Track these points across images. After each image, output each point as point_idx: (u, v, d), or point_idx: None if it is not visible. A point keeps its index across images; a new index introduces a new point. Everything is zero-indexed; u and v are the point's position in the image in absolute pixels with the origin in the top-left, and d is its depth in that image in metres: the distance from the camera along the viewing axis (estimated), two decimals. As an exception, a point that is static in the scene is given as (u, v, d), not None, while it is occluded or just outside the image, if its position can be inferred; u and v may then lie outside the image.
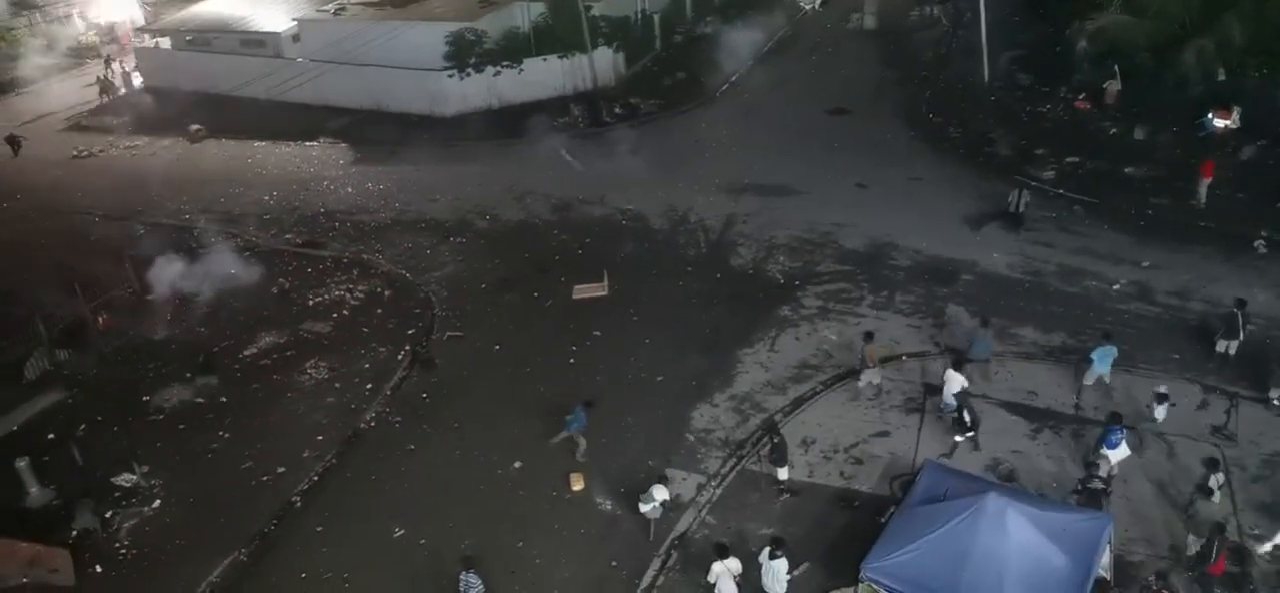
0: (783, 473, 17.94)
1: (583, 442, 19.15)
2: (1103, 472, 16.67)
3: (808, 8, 47.63)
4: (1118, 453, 17.05)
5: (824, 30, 45.11)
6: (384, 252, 28.21)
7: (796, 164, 31.30)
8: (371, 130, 36.98)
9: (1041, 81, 34.86)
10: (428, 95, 38.11)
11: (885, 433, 19.29)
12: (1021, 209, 25.90)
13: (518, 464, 19.30)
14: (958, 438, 18.36)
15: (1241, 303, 20.20)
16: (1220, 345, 20.22)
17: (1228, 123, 29.47)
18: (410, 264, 27.34)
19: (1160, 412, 18.34)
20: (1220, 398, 19.21)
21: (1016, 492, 16.19)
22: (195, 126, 38.28)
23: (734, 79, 39.83)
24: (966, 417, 18.24)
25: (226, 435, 20.79)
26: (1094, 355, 19.34)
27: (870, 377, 20.21)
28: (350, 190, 32.66)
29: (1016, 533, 14.05)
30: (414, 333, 23.95)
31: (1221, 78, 30.65)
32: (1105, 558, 14.75)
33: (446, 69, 37.82)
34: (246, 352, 23.75)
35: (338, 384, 22.26)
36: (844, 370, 21.13)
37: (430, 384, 22.05)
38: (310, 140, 37.02)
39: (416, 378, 22.29)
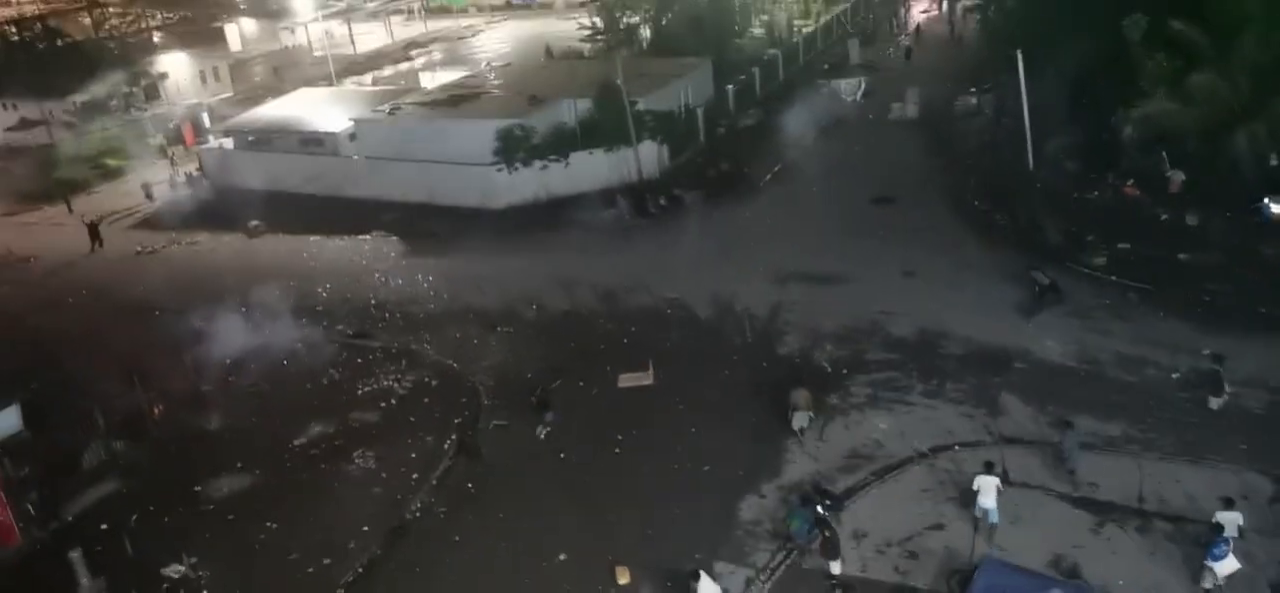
0: (835, 568, 17.46)
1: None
2: (1207, 584, 16.01)
3: (849, 98, 48.14)
4: (1224, 565, 16.06)
5: (866, 120, 45.48)
6: (432, 341, 28.55)
7: (842, 252, 31.26)
8: (422, 223, 37.88)
9: (1088, 168, 34.59)
10: (477, 189, 39.01)
11: (940, 527, 18.73)
12: (1046, 281, 26.15)
13: (563, 556, 19.05)
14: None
15: (1219, 359, 20.30)
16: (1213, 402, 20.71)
17: (1285, 208, 28.87)
18: (458, 354, 27.61)
19: (1229, 520, 16.64)
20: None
21: (1082, 588, 15.54)
22: (254, 223, 39.54)
23: (778, 169, 40.18)
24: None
25: (274, 526, 20.90)
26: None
27: (801, 420, 21.52)
28: (400, 282, 33.30)
29: (1082, 633, 13.45)
30: (460, 422, 24.04)
31: (1274, 162, 30.14)
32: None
33: (495, 164, 38.75)
34: (296, 442, 24.01)
35: (384, 474, 22.35)
36: (894, 461, 20.69)
37: (476, 474, 22.02)
38: (363, 234, 37.96)
39: (462, 468, 22.29)
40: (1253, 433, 20.29)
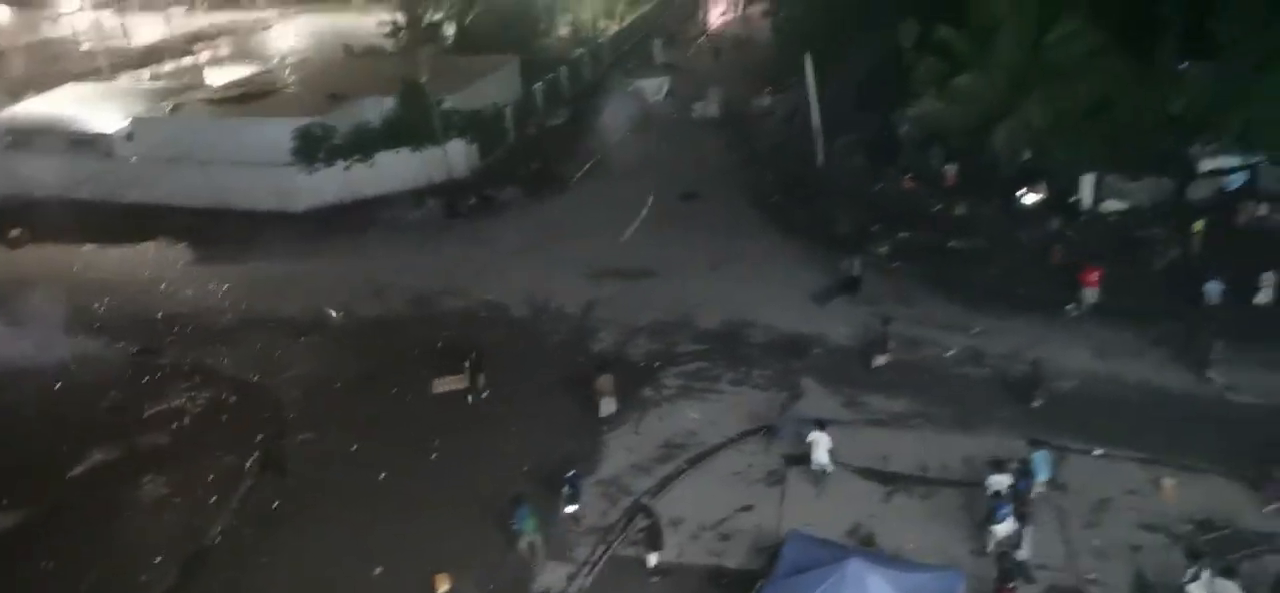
0: (653, 558, 17.99)
1: (538, 542, 18.37)
2: (990, 547, 17.51)
3: (654, 98, 49.37)
4: (1002, 527, 17.64)
5: (670, 119, 46.83)
6: (229, 354, 26.92)
7: (653, 248, 32.11)
8: (215, 229, 35.52)
9: (872, 164, 37.31)
10: (274, 191, 37.03)
11: (749, 507, 19.71)
12: (857, 273, 27.94)
13: (379, 570, 18.55)
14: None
15: (887, 321, 24.15)
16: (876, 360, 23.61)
17: (1037, 198, 32.23)
18: (259, 366, 26.18)
19: (999, 481, 18.53)
20: (1050, 451, 20.60)
21: (875, 556, 16.83)
22: (15, 232, 35.69)
23: (588, 167, 40.66)
24: None
25: (51, 565, 19.06)
26: (1034, 463, 19.01)
27: (608, 405, 22.35)
28: (191, 292, 31.12)
29: (876, 596, 14.62)
30: (263, 438, 22.83)
31: (1027, 157, 33.72)
32: (959, 613, 15.50)
33: (294, 164, 36.95)
34: (73, 471, 21.98)
35: (178, 499, 20.94)
36: (708, 448, 21.57)
37: (283, 491, 21.00)
38: (146, 242, 35.17)
39: (268, 486, 21.19)
40: (1015, 401, 22.61)
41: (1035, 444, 19.52)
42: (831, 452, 19.66)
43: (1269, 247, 27.76)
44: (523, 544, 18.22)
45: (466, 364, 24.14)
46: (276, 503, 20.71)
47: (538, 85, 47.18)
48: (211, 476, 21.58)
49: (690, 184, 37.53)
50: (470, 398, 23.84)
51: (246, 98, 41.94)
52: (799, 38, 40.83)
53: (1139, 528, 18.49)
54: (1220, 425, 21.18)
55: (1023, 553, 17.33)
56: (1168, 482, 19.39)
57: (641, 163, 41.04)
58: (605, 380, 22.79)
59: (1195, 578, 15.96)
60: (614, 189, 38.27)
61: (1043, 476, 19.07)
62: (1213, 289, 25.40)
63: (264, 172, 37.05)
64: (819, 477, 19.85)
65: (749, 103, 47.28)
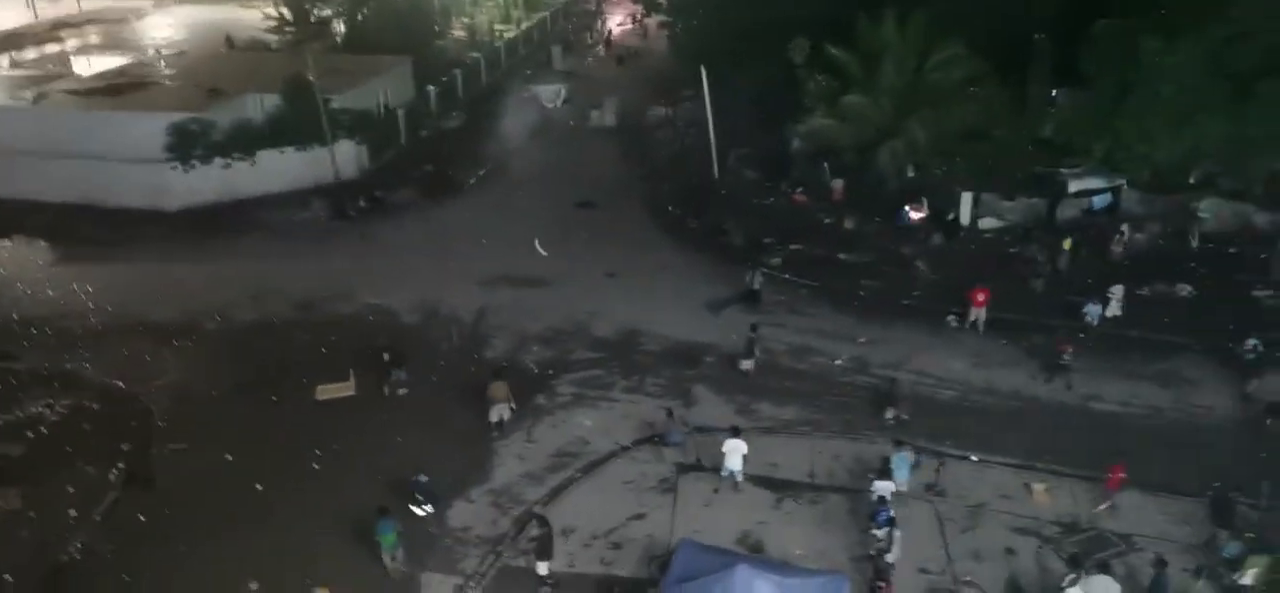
0: (543, 568, 17.76)
1: (400, 555, 17.95)
2: (872, 550, 17.95)
3: (550, 105, 49.17)
4: (883, 531, 18.09)
5: (567, 126, 46.69)
6: (93, 360, 25.30)
7: (548, 255, 31.83)
8: (80, 227, 33.39)
9: (766, 177, 38.07)
10: (147, 189, 35.09)
11: (642, 516, 19.70)
12: (758, 286, 28.26)
13: (254, 586, 17.69)
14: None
15: (754, 328, 24.31)
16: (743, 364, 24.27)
17: (921, 214, 33.51)
18: (126, 373, 24.68)
19: (882, 487, 19.26)
20: (930, 458, 21.39)
21: (763, 562, 17.05)
22: None
23: (482, 173, 40.09)
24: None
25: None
26: (893, 464, 19.71)
27: (500, 412, 22.11)
28: (52, 294, 29.13)
29: (764, 602, 14.81)
30: (129, 449, 21.51)
31: (911, 174, 35.04)
32: (843, 616, 15.84)
33: (169, 161, 35.11)
34: (-88, 486, 20.19)
35: (32, 514, 19.46)
36: (601, 456, 21.47)
37: (149, 505, 19.82)
38: (3, 239, 32.79)
39: (133, 499, 19.97)
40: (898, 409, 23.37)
41: (898, 445, 20.31)
42: (745, 459, 19.91)
43: (1131, 264, 29.75)
44: (386, 558, 17.78)
45: (386, 356, 23.78)
46: (143, 517, 19.52)
47: (431, 87, 46.29)
48: (71, 488, 20.19)
49: (586, 193, 37.45)
50: (388, 392, 23.52)
51: (117, 89, 39.68)
52: (696, 50, 41.28)
53: (1012, 531, 19.34)
54: (1083, 432, 22.42)
55: (891, 556, 17.76)
56: (1038, 486, 20.36)
57: (537, 170, 40.75)
58: (499, 387, 22.44)
59: (1074, 582, 16.80)
60: (509, 195, 37.85)
61: (902, 476, 19.80)
62: (1093, 311, 26.47)
63: (135, 168, 35.04)
64: (732, 484, 20.04)
65: (646, 113, 47.58)
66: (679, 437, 21.72)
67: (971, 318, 26.80)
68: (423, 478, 19.51)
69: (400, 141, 42.12)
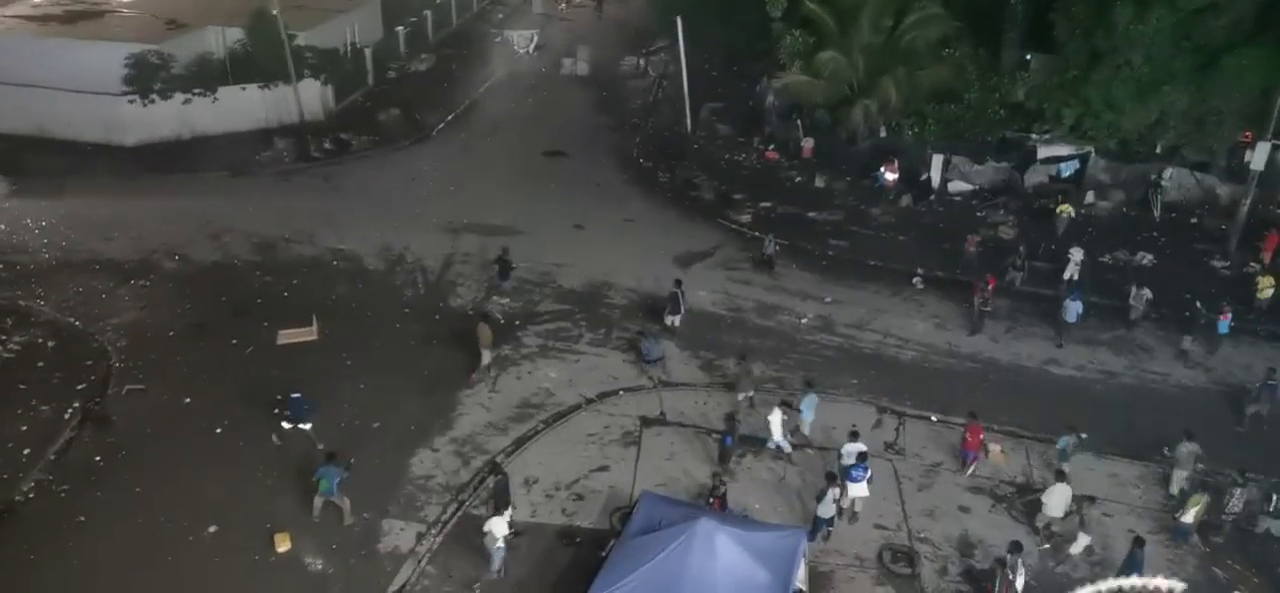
0: (500, 524, 17.70)
1: (347, 503, 17.77)
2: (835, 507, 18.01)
3: (522, 51, 48.41)
4: (856, 489, 18.28)
5: (538, 73, 46.02)
6: (47, 297, 24.72)
7: (516, 204, 31.51)
8: (32, 160, 32.39)
9: (738, 132, 37.89)
10: (103, 122, 34.12)
11: (605, 468, 19.77)
12: (771, 252, 28.03)
13: (213, 529, 17.55)
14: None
15: (679, 283, 24.50)
16: (669, 319, 24.11)
17: (895, 176, 33.48)
18: (81, 311, 24.16)
19: (851, 450, 19.19)
20: (891, 417, 21.66)
21: (723, 515, 17.20)
22: None
23: (451, 118, 39.46)
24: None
25: None
26: (802, 406, 20.52)
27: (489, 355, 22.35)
28: (3, 227, 28.34)
29: (724, 554, 14.98)
30: (85, 388, 21.13)
31: (883, 135, 35.04)
32: (801, 571, 16.06)
33: (126, 94, 34.11)
34: None
35: (-16, 453, 19.07)
36: (566, 408, 21.47)
37: (105, 446, 19.51)
38: (-52, 171, 31.79)
39: (89, 440, 19.64)
40: (862, 369, 23.61)
41: (808, 386, 20.81)
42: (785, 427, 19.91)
43: (1097, 230, 30.14)
44: (316, 501, 17.66)
45: (495, 263, 24.91)
46: (99, 458, 19.22)
47: (400, 28, 45.30)
48: (24, 427, 19.79)
49: (556, 142, 37.03)
50: (497, 300, 24.59)
51: (73, 17, 38.37)
52: (671, 1, 40.74)
53: (967, 491, 19.69)
54: (1040, 396, 22.82)
55: (824, 511, 17.67)
56: (995, 448, 20.70)
57: (508, 117, 40.20)
58: (484, 331, 22.17)
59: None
60: (477, 141, 37.34)
61: (808, 416, 20.35)
62: (1073, 308, 24.83)
63: (90, 100, 34.00)
64: (778, 455, 20.07)
65: (620, 63, 47.00)
66: (656, 352, 22.08)
67: (988, 303, 25.30)
68: (296, 395, 19.65)
69: (367, 82, 41.27)
